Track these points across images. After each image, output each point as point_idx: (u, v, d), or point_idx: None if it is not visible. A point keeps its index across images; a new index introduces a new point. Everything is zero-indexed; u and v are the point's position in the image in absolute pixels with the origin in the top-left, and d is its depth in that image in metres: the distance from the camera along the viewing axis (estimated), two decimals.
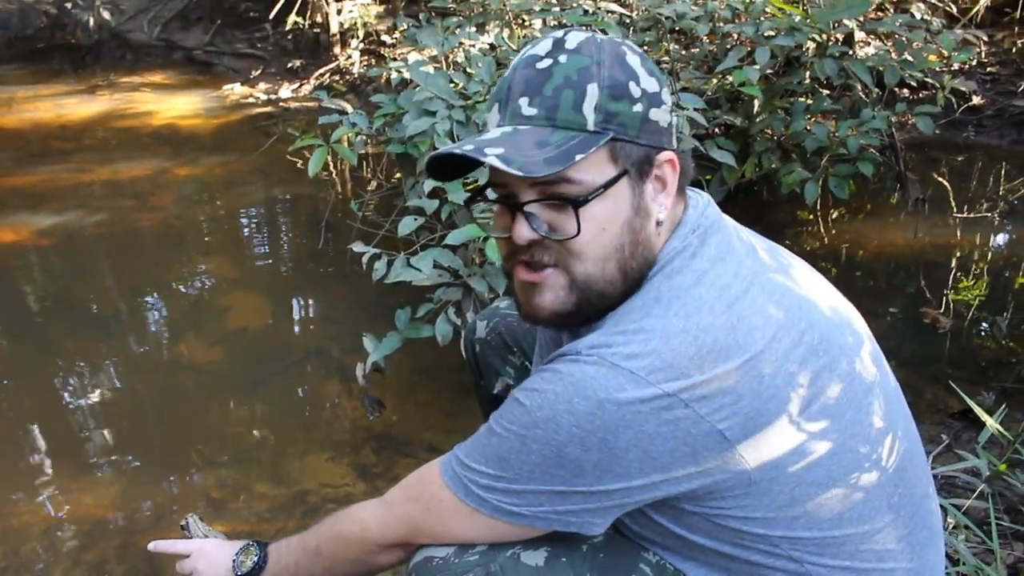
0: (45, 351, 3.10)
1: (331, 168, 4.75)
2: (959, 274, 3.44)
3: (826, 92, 3.81)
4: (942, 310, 3.10)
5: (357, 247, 2.42)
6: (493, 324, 1.64)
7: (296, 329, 3.23)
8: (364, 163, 4.55)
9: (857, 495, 1.05)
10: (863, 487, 1.06)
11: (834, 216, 4.00)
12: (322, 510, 2.23)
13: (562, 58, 1.02)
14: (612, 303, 1.05)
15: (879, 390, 1.11)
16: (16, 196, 4.55)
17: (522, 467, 1.03)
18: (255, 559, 1.32)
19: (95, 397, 2.83)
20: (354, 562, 1.23)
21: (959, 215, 3.94)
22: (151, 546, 1.45)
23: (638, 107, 1.01)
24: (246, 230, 4.20)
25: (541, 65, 1.02)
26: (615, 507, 1.05)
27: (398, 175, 3.91)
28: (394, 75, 3.89)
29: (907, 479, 1.11)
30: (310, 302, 3.39)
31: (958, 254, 3.63)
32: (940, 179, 4.40)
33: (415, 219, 2.44)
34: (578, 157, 0.97)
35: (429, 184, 2.50)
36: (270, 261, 3.84)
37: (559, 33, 1.05)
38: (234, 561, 1.34)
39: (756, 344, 0.99)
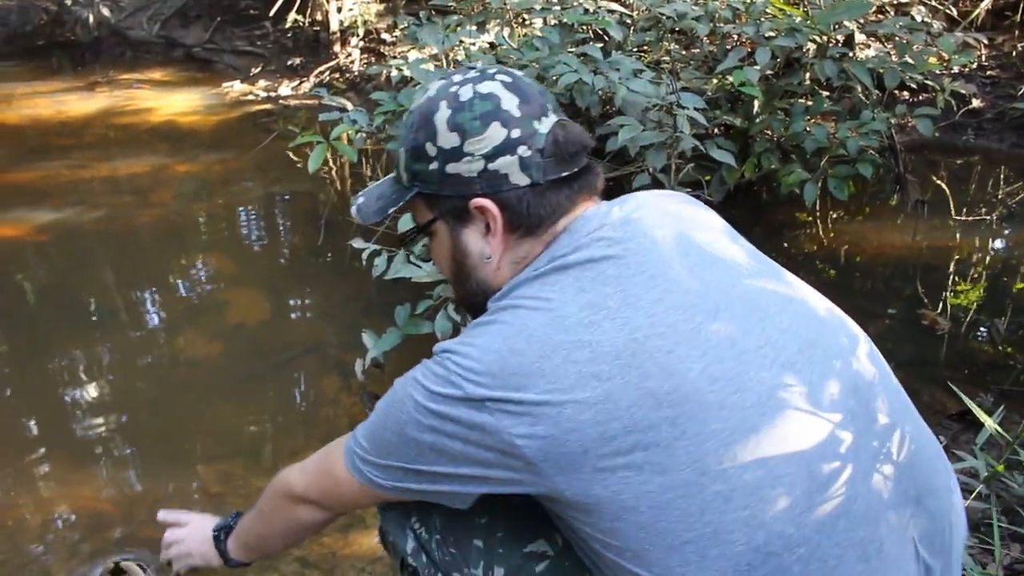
0: (44, 346, 3.10)
1: (330, 165, 4.75)
2: (958, 277, 3.45)
3: (826, 94, 3.82)
4: (940, 312, 3.10)
5: (357, 243, 2.42)
6: None
7: (295, 325, 3.23)
8: (363, 161, 4.55)
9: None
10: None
11: (833, 217, 4.00)
12: None
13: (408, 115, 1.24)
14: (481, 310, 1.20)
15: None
16: (16, 192, 4.54)
17: (382, 444, 1.18)
18: (229, 520, 1.58)
19: (94, 391, 2.83)
20: (284, 518, 1.42)
21: (958, 218, 3.94)
22: (160, 515, 1.70)
23: (434, 165, 1.17)
24: (245, 226, 4.20)
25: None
26: (462, 493, 1.17)
27: None
28: (394, 73, 3.90)
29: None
30: (309, 298, 3.39)
31: (957, 257, 3.63)
32: (939, 182, 4.41)
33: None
34: (391, 210, 1.23)
35: None
36: (269, 257, 3.84)
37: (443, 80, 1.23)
38: (215, 525, 1.60)
39: (565, 379, 1.03)
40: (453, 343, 1.13)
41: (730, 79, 3.35)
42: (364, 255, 2.39)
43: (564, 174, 1.17)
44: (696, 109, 2.83)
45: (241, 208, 4.36)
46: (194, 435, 2.57)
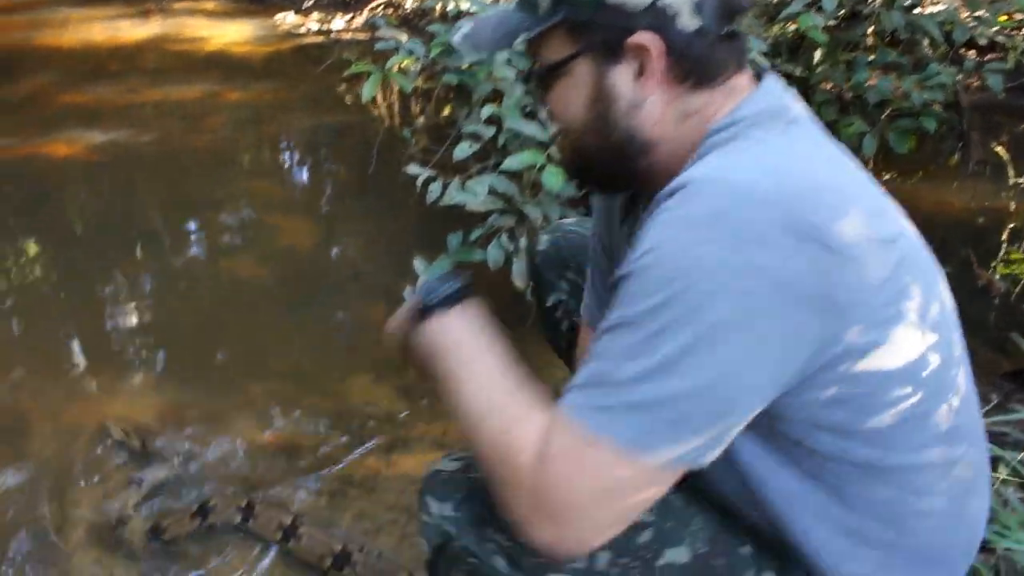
0: (95, 264, 3.14)
1: (381, 101, 4.73)
2: (1014, 242, 3.37)
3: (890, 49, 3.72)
4: (996, 274, 3.04)
5: (412, 168, 2.41)
6: (555, 238, 1.65)
7: (342, 251, 3.24)
8: (414, 97, 4.53)
9: (934, 420, 1.02)
10: (940, 414, 1.02)
11: (891, 173, 3.92)
12: (367, 427, 2.26)
13: None
14: (619, 175, 1.09)
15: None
16: (70, 113, 4.58)
17: (657, 351, 0.88)
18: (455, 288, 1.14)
19: (143, 309, 2.87)
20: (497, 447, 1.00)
21: (1020, 180, 3.85)
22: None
23: None
24: (295, 154, 4.21)
25: None
26: (771, 385, 0.92)
27: (447, 111, 3.90)
28: (451, 6, 3.86)
29: (971, 416, 1.09)
30: (357, 226, 3.39)
31: (1015, 220, 3.55)
32: (1002, 144, 4.29)
33: (470, 144, 2.43)
34: (521, 37, 1.06)
35: (487, 111, 2.48)
36: (318, 185, 3.86)
37: None
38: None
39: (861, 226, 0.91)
40: (706, 171, 0.94)
41: (792, 26, 3.28)
42: (419, 180, 2.37)
43: (733, 29, 1.04)
44: (760, 53, 2.78)
45: (292, 137, 4.37)
46: (242, 354, 2.60)
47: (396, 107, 4.72)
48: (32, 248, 3.29)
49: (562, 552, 0.96)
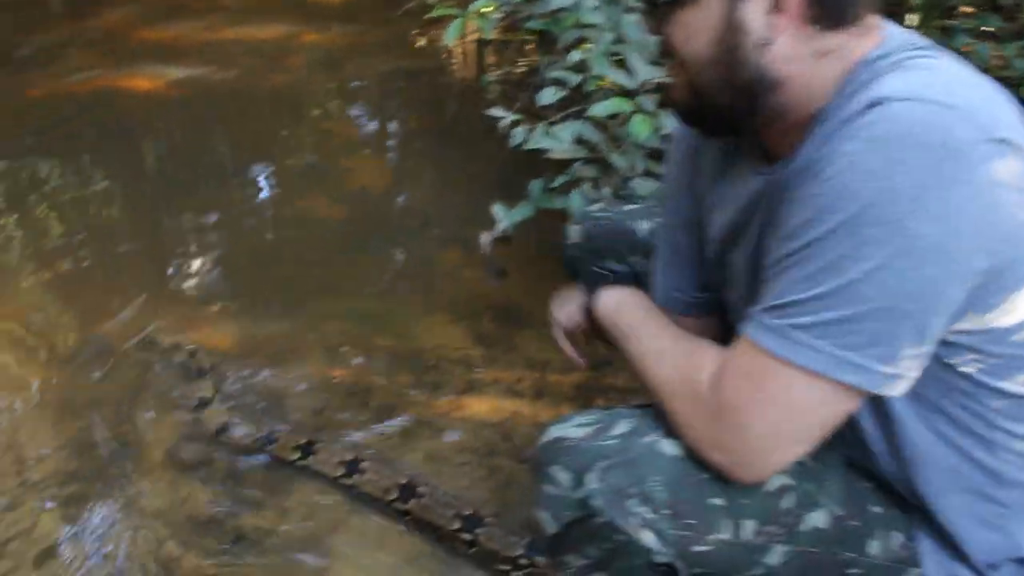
0: (174, 196, 3.18)
1: (457, 48, 4.68)
2: None
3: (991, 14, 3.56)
4: None
5: (496, 112, 2.37)
6: (586, 228, 1.60)
7: (416, 195, 3.22)
8: (491, 46, 4.47)
9: None
10: None
11: None
12: (438, 368, 2.26)
13: None
14: (740, 115, 1.03)
15: None
16: (150, 48, 4.62)
17: (849, 270, 0.87)
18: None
19: (217, 242, 2.90)
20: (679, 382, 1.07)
21: None
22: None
23: None
24: (372, 97, 4.20)
25: None
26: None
27: (524, 60, 3.84)
28: None
29: None
30: (432, 171, 3.37)
31: None
32: None
33: (556, 90, 2.38)
34: None
35: (575, 56, 2.42)
36: (394, 129, 3.85)
37: None
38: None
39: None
40: (895, 85, 0.91)
41: None
42: (503, 123, 2.33)
43: None
44: None
45: (367, 80, 4.34)
46: (314, 291, 2.61)
47: (472, 55, 4.67)
48: (111, 179, 3.33)
49: (740, 474, 0.99)
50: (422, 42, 4.57)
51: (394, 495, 1.83)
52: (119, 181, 3.32)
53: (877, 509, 1.09)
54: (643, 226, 1.53)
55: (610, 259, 1.55)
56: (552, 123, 2.35)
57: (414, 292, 2.62)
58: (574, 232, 1.61)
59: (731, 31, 0.99)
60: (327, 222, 3.02)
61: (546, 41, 3.04)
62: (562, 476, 1.09)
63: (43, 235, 2.93)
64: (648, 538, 1.03)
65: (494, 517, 1.77)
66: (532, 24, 2.91)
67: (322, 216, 3.06)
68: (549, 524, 1.11)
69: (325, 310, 2.52)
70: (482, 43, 4.35)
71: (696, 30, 1.00)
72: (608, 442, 1.08)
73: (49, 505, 1.90)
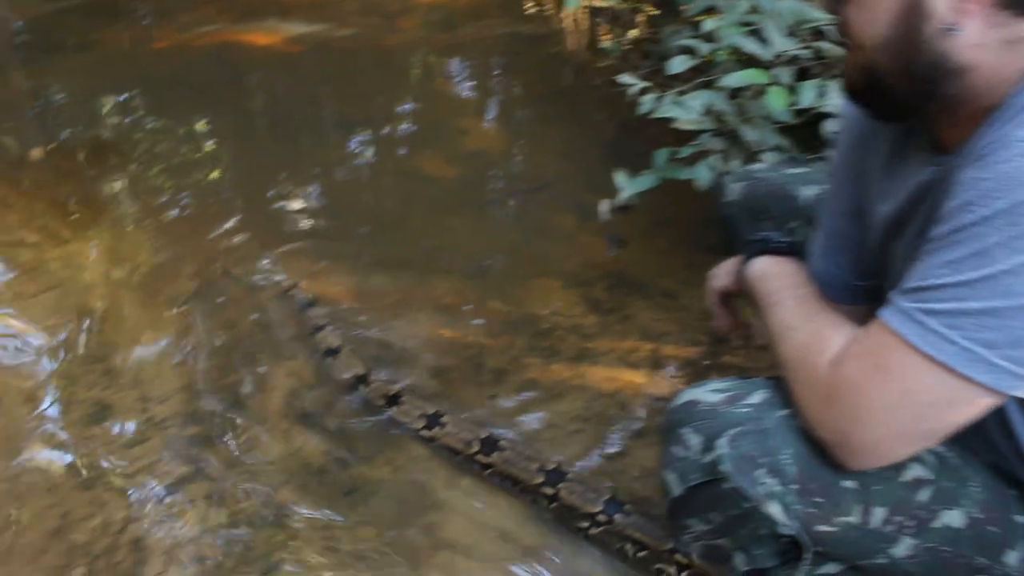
0: (291, 148, 3.23)
1: (569, 17, 4.63)
2: None
3: None
4: None
5: (624, 78, 2.33)
6: (747, 186, 1.54)
7: (534, 159, 3.19)
8: (609, 13, 4.40)
9: None
10: None
11: None
12: (552, 335, 2.25)
13: None
14: (915, 101, 0.98)
15: None
16: (270, 3, 4.68)
17: (993, 263, 0.85)
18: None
19: (333, 197, 2.95)
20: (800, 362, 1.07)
21: None
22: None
23: None
24: (489, 60, 4.18)
25: None
26: None
27: (634, 32, 3.76)
28: None
29: None
30: (551, 135, 3.33)
31: None
32: None
33: (685, 58, 2.32)
34: None
35: (709, 24, 2.36)
36: (513, 91, 3.83)
37: None
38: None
39: None
40: None
41: None
42: (632, 90, 2.29)
43: None
44: None
45: (484, 43, 4.33)
46: (428, 249, 2.62)
47: (583, 22, 4.61)
48: (228, 131, 3.40)
49: (845, 457, 0.96)
50: (541, 6, 4.53)
51: (475, 448, 1.84)
52: (234, 133, 3.39)
53: (1021, 518, 1.05)
54: (805, 192, 1.48)
55: (767, 221, 1.51)
56: (681, 92, 2.30)
57: (529, 254, 2.60)
58: (734, 190, 1.57)
59: (912, 14, 0.93)
60: (441, 181, 3.02)
61: (668, 10, 2.98)
62: (692, 439, 1.09)
63: (161, 185, 3.01)
64: (775, 509, 1.03)
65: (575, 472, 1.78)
66: None
67: (435, 175, 3.06)
68: (675, 485, 1.12)
69: (439, 268, 2.53)
70: (594, 11, 4.29)
71: (874, 10, 0.96)
72: (742, 410, 1.08)
73: (171, 443, 1.96)
